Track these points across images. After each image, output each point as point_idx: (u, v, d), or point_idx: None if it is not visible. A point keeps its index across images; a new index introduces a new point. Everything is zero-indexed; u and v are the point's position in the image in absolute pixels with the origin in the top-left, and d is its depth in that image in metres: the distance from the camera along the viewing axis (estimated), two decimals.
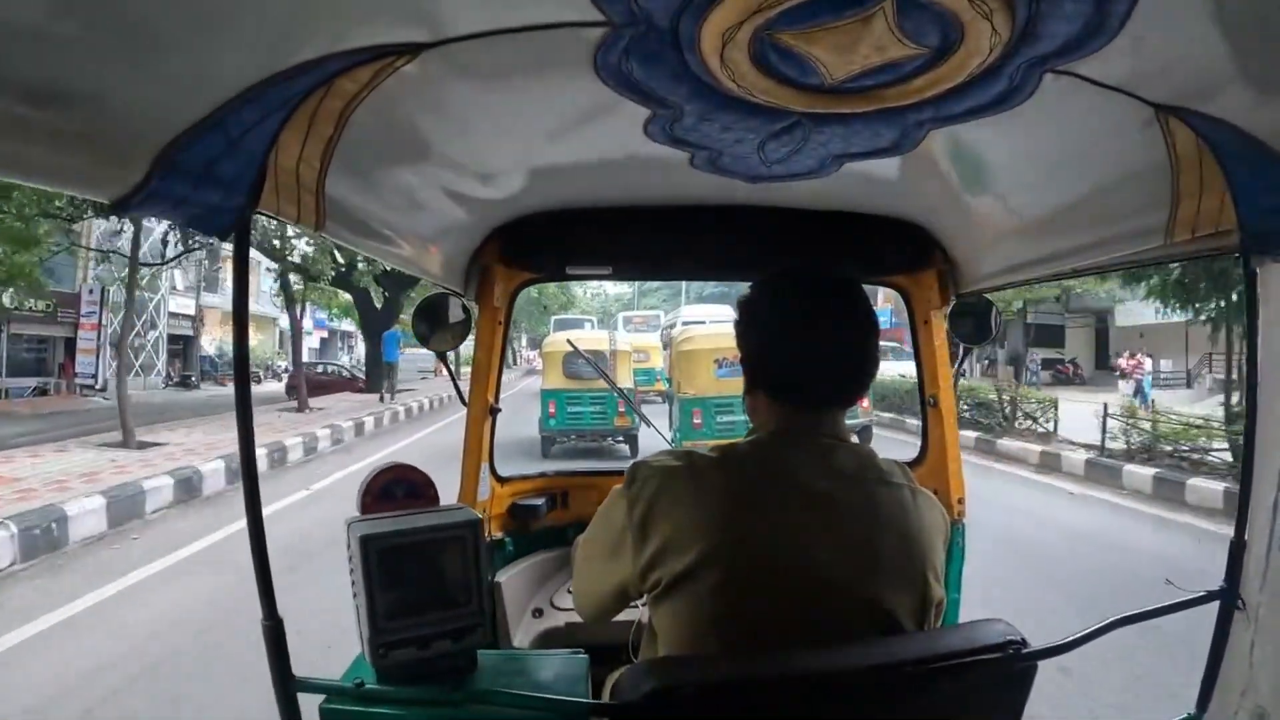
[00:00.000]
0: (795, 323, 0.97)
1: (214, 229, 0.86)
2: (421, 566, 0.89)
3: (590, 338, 11.28)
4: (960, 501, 1.84)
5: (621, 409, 9.48)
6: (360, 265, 16.00)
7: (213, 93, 0.76)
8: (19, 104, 0.64)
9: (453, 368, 1.81)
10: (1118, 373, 20.49)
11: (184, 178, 0.79)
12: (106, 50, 0.67)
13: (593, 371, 8.76)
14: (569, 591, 1.76)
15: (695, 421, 8.22)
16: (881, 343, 1.03)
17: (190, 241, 13.85)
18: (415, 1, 0.76)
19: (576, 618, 1.69)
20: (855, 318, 0.97)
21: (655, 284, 42.47)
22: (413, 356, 26.23)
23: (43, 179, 0.77)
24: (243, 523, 0.90)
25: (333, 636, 3.09)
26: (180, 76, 0.74)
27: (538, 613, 1.75)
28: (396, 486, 0.97)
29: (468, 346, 1.83)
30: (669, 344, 11.06)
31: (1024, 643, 0.88)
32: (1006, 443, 10.57)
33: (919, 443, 1.98)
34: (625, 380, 9.72)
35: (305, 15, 0.73)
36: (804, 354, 0.96)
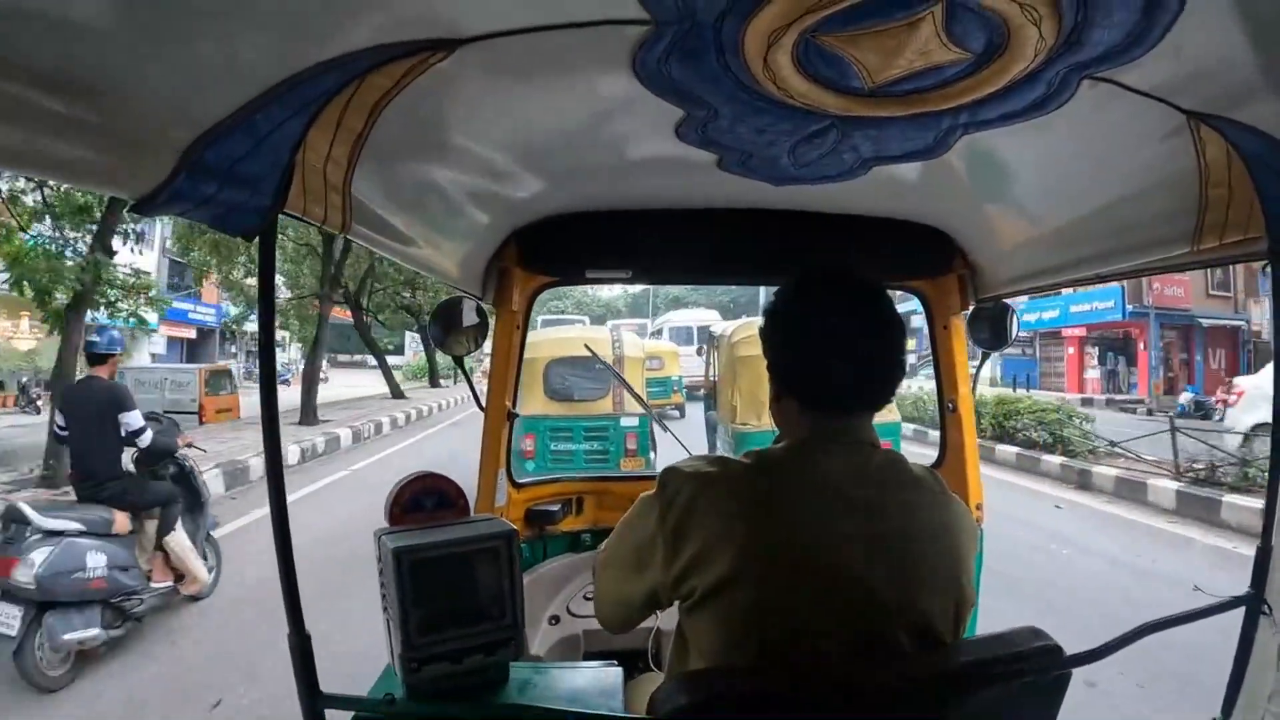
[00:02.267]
0: (824, 326, 0.96)
1: (238, 229, 0.84)
2: (455, 580, 0.88)
3: (584, 338, 7.49)
4: (979, 507, 1.84)
5: (632, 446, 6.80)
6: None
7: (243, 88, 0.74)
8: (44, 95, 0.63)
9: (469, 372, 1.79)
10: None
11: (210, 176, 0.77)
12: (135, 42, 0.65)
13: (587, 391, 6.58)
14: (585, 598, 1.75)
15: None
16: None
17: None
18: None
19: (593, 625, 1.67)
20: (882, 321, 0.96)
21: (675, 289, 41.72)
22: (168, 377, 13.04)
23: (65, 175, 0.75)
24: None
25: None
26: (210, 71, 0.72)
27: (554, 620, 1.73)
28: (426, 497, 0.95)
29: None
30: (713, 347, 8.51)
31: (1060, 650, 0.88)
32: None
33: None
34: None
35: (341, 8, 0.71)
36: (833, 358, 0.95)
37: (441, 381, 26.84)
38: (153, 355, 24.24)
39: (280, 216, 0.86)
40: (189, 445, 4.43)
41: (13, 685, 3.17)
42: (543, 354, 6.74)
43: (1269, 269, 1.11)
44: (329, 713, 0.90)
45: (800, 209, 1.53)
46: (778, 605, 0.85)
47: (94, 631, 3.38)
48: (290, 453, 9.34)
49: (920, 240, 1.63)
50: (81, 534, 3.44)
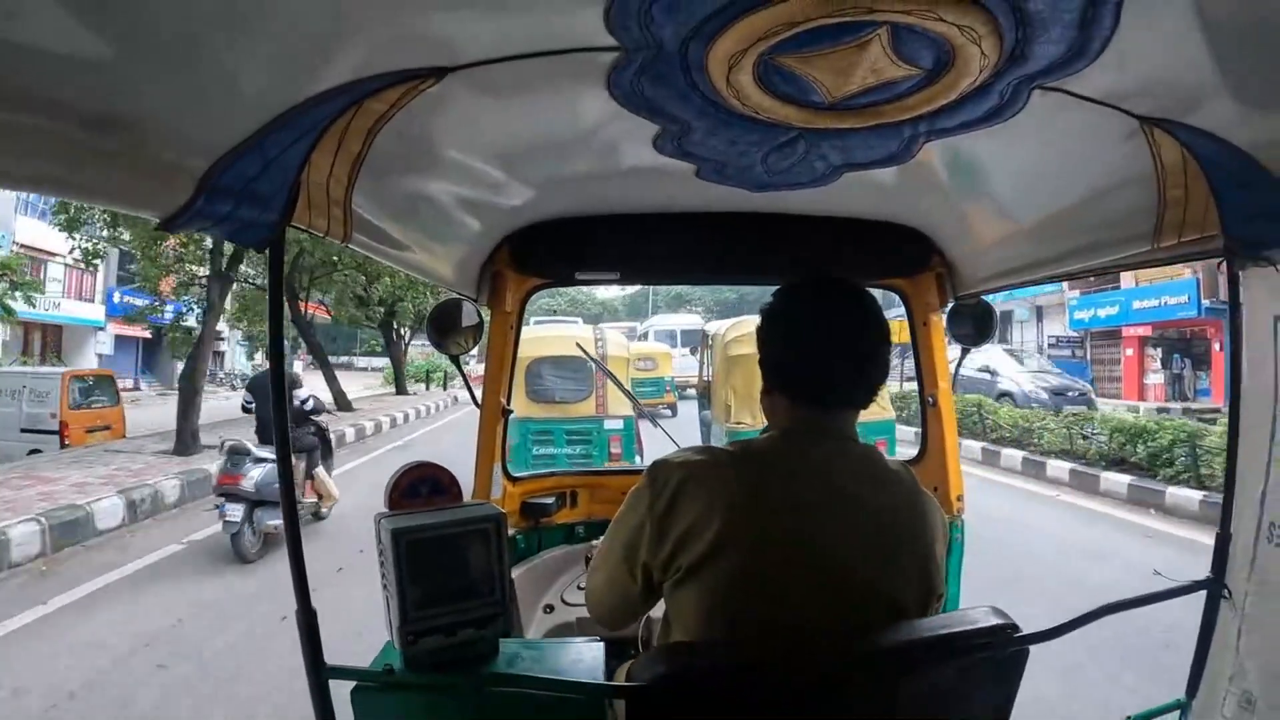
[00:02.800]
0: (815, 327, 1.03)
1: (250, 242, 0.92)
2: (448, 559, 0.94)
3: (566, 336, 7.10)
4: (959, 499, 1.89)
5: (616, 450, 6.57)
6: None
7: (253, 116, 0.82)
8: (75, 128, 0.70)
9: (465, 371, 1.86)
10: None
11: (226, 196, 0.85)
12: (153, 79, 0.73)
13: (569, 392, 6.25)
14: (579, 588, 1.81)
15: None
16: None
17: None
18: (443, 29, 0.81)
19: (586, 613, 1.73)
20: (870, 324, 1.02)
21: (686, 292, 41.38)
22: (28, 384, 9.96)
23: (99, 199, 0.84)
24: None
25: None
26: (223, 103, 0.80)
27: (548, 609, 1.79)
28: (422, 484, 1.02)
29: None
30: (705, 346, 8.51)
31: (1015, 627, 0.94)
32: None
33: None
34: (620, 396, 6.29)
35: (340, 42, 0.79)
36: (822, 356, 1.01)
37: (412, 388, 22.67)
38: (99, 356, 21.54)
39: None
40: (327, 412, 6.66)
41: (228, 559, 5.37)
42: (524, 353, 5.97)
43: (1225, 266, 1.16)
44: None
45: (780, 212, 1.59)
46: (757, 581, 0.91)
47: (280, 522, 5.25)
48: (107, 509, 6.17)
49: (898, 240, 1.69)
50: (274, 462, 5.20)
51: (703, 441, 7.31)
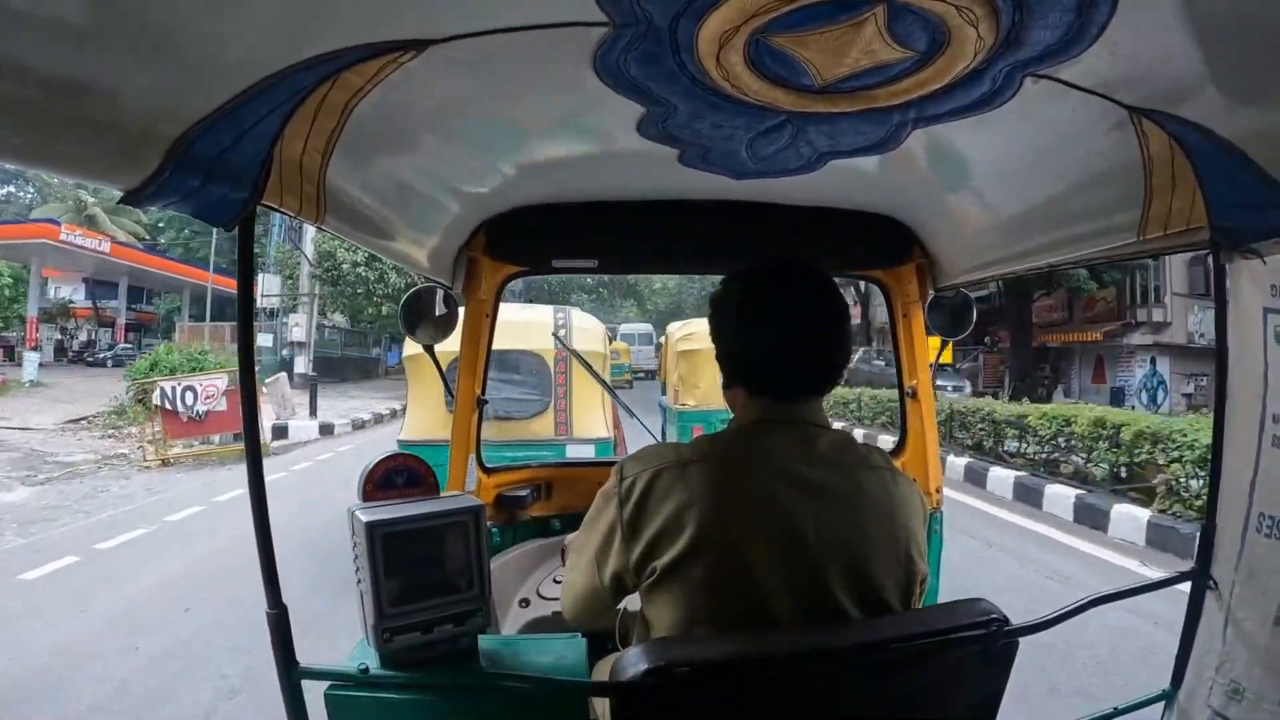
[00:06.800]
0: (764, 316, 0.99)
1: (220, 221, 0.88)
2: (425, 553, 0.91)
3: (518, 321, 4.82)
4: (938, 490, 1.89)
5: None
6: None
7: (225, 85, 0.78)
8: (41, 93, 0.66)
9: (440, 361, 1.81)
10: None
11: (195, 169, 0.81)
12: (125, 43, 0.69)
13: (515, 404, 3.91)
14: (555, 581, 1.78)
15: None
16: None
17: None
18: None
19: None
20: (823, 307, 0.99)
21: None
22: None
23: (62, 168, 0.79)
24: None
25: None
26: (194, 69, 0.76)
27: (524, 602, 1.75)
28: (397, 474, 0.98)
29: None
30: (666, 344, 9.42)
31: (1005, 620, 0.92)
32: None
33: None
34: (589, 408, 4.80)
35: (317, 10, 0.75)
36: (775, 346, 0.98)
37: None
38: None
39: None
40: None
41: None
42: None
43: (1212, 258, 1.16)
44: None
45: (761, 201, 1.57)
46: (733, 578, 0.89)
47: None
48: None
49: (879, 231, 1.68)
50: None
51: (662, 422, 8.36)
